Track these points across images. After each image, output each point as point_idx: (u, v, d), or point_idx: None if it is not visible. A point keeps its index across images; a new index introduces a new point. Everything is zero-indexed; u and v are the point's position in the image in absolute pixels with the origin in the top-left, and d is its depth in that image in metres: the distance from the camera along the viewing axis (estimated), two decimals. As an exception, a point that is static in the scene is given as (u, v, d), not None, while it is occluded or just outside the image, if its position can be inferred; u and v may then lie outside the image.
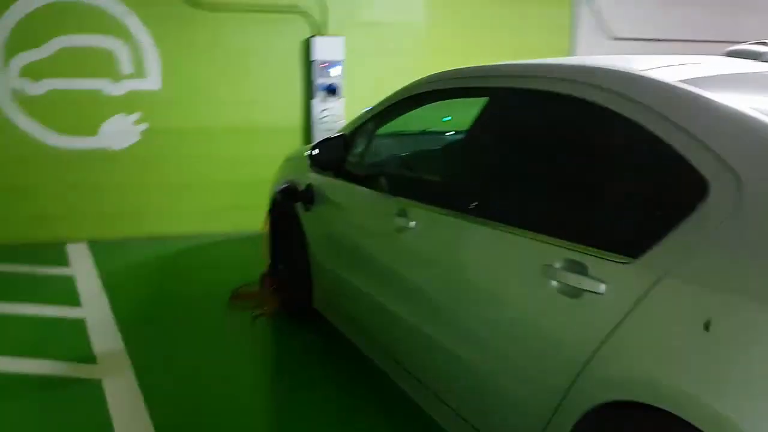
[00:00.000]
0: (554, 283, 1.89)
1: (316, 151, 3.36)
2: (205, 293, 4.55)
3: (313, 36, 6.00)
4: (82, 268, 5.11)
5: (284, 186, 3.99)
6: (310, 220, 3.75)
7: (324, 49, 5.98)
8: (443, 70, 2.86)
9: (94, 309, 4.24)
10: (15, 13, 5.33)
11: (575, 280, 1.81)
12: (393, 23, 6.25)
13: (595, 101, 1.96)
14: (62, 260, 5.28)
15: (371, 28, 6.20)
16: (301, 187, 3.81)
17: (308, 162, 3.50)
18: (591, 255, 1.80)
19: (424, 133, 3.96)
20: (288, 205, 3.94)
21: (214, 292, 4.53)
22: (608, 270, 1.74)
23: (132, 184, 5.87)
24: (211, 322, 4.08)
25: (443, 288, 2.43)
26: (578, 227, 1.91)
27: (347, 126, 3.61)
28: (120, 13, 5.56)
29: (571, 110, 2.08)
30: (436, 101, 3.05)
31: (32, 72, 5.44)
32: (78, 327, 3.94)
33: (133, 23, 5.60)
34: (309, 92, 6.11)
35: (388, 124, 3.38)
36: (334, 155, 3.35)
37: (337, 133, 3.55)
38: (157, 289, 4.71)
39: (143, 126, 5.80)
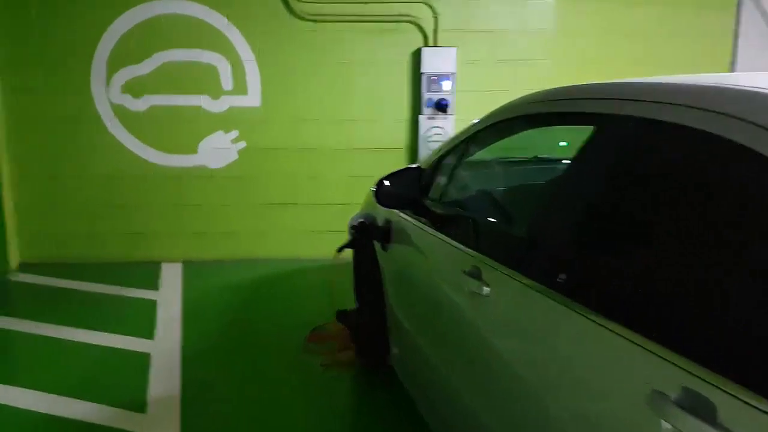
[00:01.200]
0: (667, 426, 1.19)
1: (386, 184, 2.77)
2: (283, 328, 4.14)
3: (423, 47, 5.47)
4: (168, 292, 4.89)
5: (360, 220, 3.47)
6: (387, 262, 3.20)
7: (434, 60, 5.43)
8: (547, 89, 2.20)
9: (163, 342, 3.94)
10: (118, 29, 5.26)
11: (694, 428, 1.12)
12: (513, 31, 5.57)
13: (741, 142, 1.24)
14: (152, 282, 5.10)
15: (488, 37, 5.56)
16: (380, 221, 3.27)
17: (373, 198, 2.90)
18: (732, 395, 1.09)
19: (527, 161, 3.29)
20: (365, 241, 3.41)
21: (292, 326, 4.11)
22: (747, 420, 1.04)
23: (228, 204, 5.63)
24: (282, 366, 3.63)
25: (519, 389, 1.78)
26: (720, 349, 1.20)
27: (433, 153, 3.03)
28: (221, 26, 5.34)
29: (708, 152, 1.37)
30: (534, 128, 2.40)
31: (134, 88, 5.35)
32: (141, 364, 3.64)
33: (235, 37, 5.36)
34: (417, 108, 5.57)
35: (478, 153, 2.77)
36: (405, 192, 2.76)
37: (416, 164, 2.98)
38: (234, 321, 4.36)
39: (241, 144, 5.54)
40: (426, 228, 2.65)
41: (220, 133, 5.51)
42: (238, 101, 5.46)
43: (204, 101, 5.43)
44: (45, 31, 5.22)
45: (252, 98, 5.48)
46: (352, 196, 5.37)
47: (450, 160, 2.74)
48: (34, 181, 5.45)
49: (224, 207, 5.63)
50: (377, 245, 3.28)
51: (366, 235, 3.32)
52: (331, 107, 5.55)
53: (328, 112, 5.56)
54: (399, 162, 5.66)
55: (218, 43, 5.35)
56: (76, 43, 5.25)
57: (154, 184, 5.52)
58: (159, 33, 5.29)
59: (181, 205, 5.58)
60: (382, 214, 3.31)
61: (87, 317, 4.32)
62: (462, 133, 2.76)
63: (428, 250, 2.63)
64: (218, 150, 5.52)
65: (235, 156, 5.56)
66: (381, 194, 2.74)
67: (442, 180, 2.75)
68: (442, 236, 2.48)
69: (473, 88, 5.60)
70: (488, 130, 2.58)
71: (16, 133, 5.36)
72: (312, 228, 5.73)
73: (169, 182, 5.53)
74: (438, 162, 2.82)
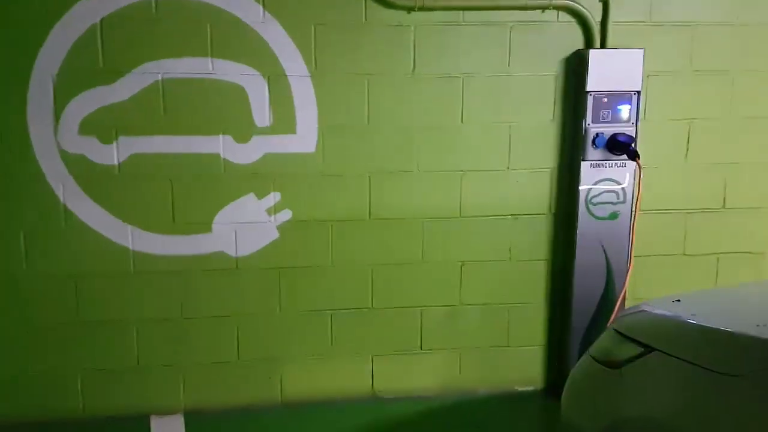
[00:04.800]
0: None
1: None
2: None
3: (586, 49, 3.31)
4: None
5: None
6: None
7: (607, 71, 3.27)
8: None
9: None
10: (73, 26, 3.06)
11: None
12: (725, 24, 3.43)
13: None
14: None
15: (685, 34, 3.42)
16: None
17: None
18: None
19: None
20: None
21: None
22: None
23: (261, 314, 3.39)
24: None
25: None
26: None
27: None
28: (254, 21, 3.16)
29: None
30: None
31: (102, 126, 3.13)
32: None
33: (276, 38, 3.18)
34: (573, 149, 3.40)
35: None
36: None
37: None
38: None
39: (285, 215, 3.32)
40: None
41: (249, 198, 3.29)
42: (281, 145, 3.26)
43: (224, 145, 3.23)
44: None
45: (303, 140, 3.28)
46: (462, 293, 3.38)
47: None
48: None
49: (254, 319, 3.39)
50: None
51: None
52: (429, 151, 3.36)
53: (425, 160, 3.37)
54: (538, 238, 3.46)
55: (248, 48, 3.17)
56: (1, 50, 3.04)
57: (141, 286, 3.27)
58: (147, 31, 3.10)
59: (184, 319, 3.33)
60: None
61: None
62: None
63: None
64: (247, 226, 3.30)
65: (274, 235, 3.33)
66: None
67: None
68: None
69: (664, 115, 3.45)
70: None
71: None
72: (397, 347, 3.50)
73: (164, 282, 3.29)
74: None
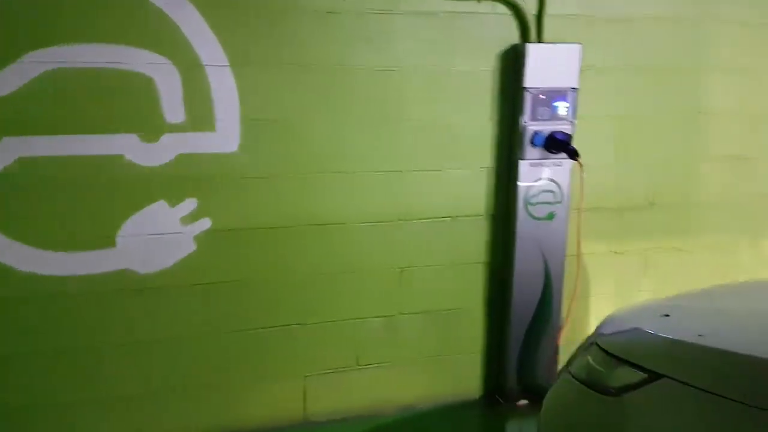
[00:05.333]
0: None
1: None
2: None
3: (522, 43, 3.18)
4: None
5: None
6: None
7: (545, 67, 3.15)
8: None
9: None
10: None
11: None
12: (667, 19, 3.44)
13: None
14: None
15: (623, 29, 3.38)
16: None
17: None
18: None
19: None
20: None
21: None
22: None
23: (177, 340, 2.96)
24: None
25: None
26: None
27: None
28: (165, 3, 2.72)
29: None
30: None
31: (-22, 123, 2.58)
32: None
33: (190, 24, 2.77)
34: (511, 148, 3.25)
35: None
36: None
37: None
38: None
39: (203, 224, 2.91)
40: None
41: (160, 206, 2.85)
42: (197, 144, 2.86)
43: (129, 145, 2.77)
44: None
45: (223, 138, 2.89)
46: (401, 302, 3.16)
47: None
48: None
49: (168, 345, 2.96)
50: None
51: None
52: (365, 149, 3.09)
53: (361, 159, 3.09)
54: (478, 241, 3.30)
55: (156, 33, 2.73)
56: None
57: (27, 313, 2.74)
58: (33, 14, 2.58)
59: (84, 350, 2.84)
60: None
61: None
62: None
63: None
64: (157, 238, 2.86)
65: (190, 247, 2.92)
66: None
67: None
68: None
69: (598, 112, 3.39)
70: None
71: None
72: (331, 365, 3.20)
73: (58, 307, 2.78)
74: None
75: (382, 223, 3.16)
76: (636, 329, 1.94)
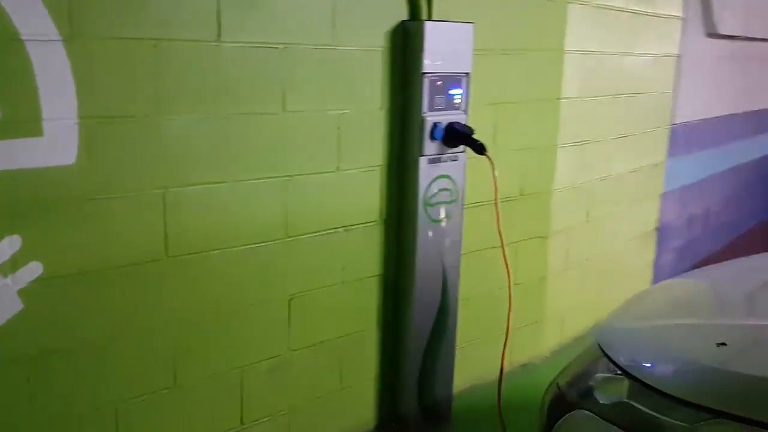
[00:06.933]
0: None
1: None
2: None
3: (413, 20, 2.74)
4: None
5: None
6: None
7: (442, 49, 2.76)
8: None
9: None
10: None
11: None
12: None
13: None
14: None
15: (503, 8, 3.12)
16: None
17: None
18: None
19: None
20: None
21: None
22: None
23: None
24: None
25: None
26: None
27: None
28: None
29: None
30: None
31: None
32: None
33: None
34: (409, 142, 2.82)
35: None
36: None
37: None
38: None
39: (31, 271, 1.98)
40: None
41: (-39, 251, 1.87)
42: (16, 155, 1.91)
43: None
44: None
45: (55, 144, 1.98)
46: (291, 336, 2.64)
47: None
48: None
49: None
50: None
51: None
52: (245, 151, 2.40)
53: (240, 163, 2.40)
54: (372, 252, 2.85)
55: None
56: None
57: None
58: None
59: None
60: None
61: None
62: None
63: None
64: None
65: (15, 306, 1.97)
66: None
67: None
68: None
69: (488, 99, 3.12)
70: None
71: None
72: (217, 430, 2.50)
73: None
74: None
75: (266, 243, 2.51)
76: (694, 363, 1.68)
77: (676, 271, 5.30)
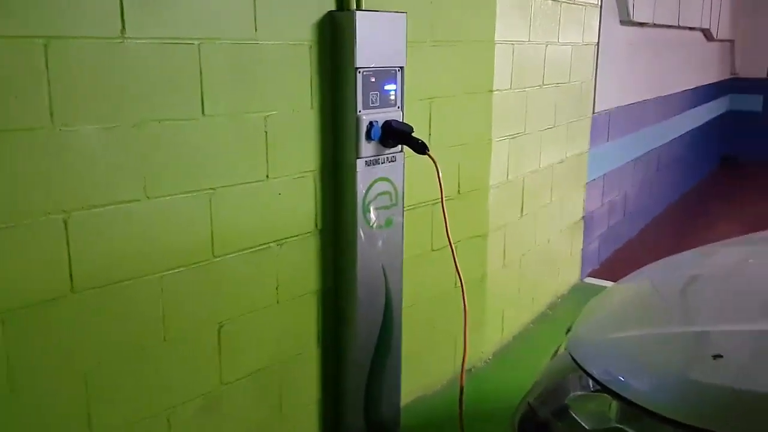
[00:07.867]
0: None
1: None
2: None
3: (341, 10, 2.49)
4: None
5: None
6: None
7: (372, 40, 2.52)
8: None
9: None
10: None
11: None
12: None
13: None
14: None
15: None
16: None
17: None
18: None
19: None
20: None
21: None
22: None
23: None
24: None
25: None
26: None
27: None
28: None
29: None
30: None
31: None
32: None
33: None
34: (343, 144, 2.57)
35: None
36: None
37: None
38: None
39: None
40: None
41: None
42: None
43: None
44: None
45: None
46: (223, 368, 2.40)
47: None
48: None
49: None
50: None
51: None
52: (160, 162, 2.09)
53: (156, 178, 2.08)
54: (307, 266, 2.59)
55: None
56: None
57: None
58: None
59: None
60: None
61: None
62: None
63: None
64: None
65: None
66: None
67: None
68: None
69: (422, 93, 2.91)
70: None
71: None
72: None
73: None
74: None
75: (189, 267, 2.20)
76: (687, 380, 1.54)
77: (601, 259, 5.34)
